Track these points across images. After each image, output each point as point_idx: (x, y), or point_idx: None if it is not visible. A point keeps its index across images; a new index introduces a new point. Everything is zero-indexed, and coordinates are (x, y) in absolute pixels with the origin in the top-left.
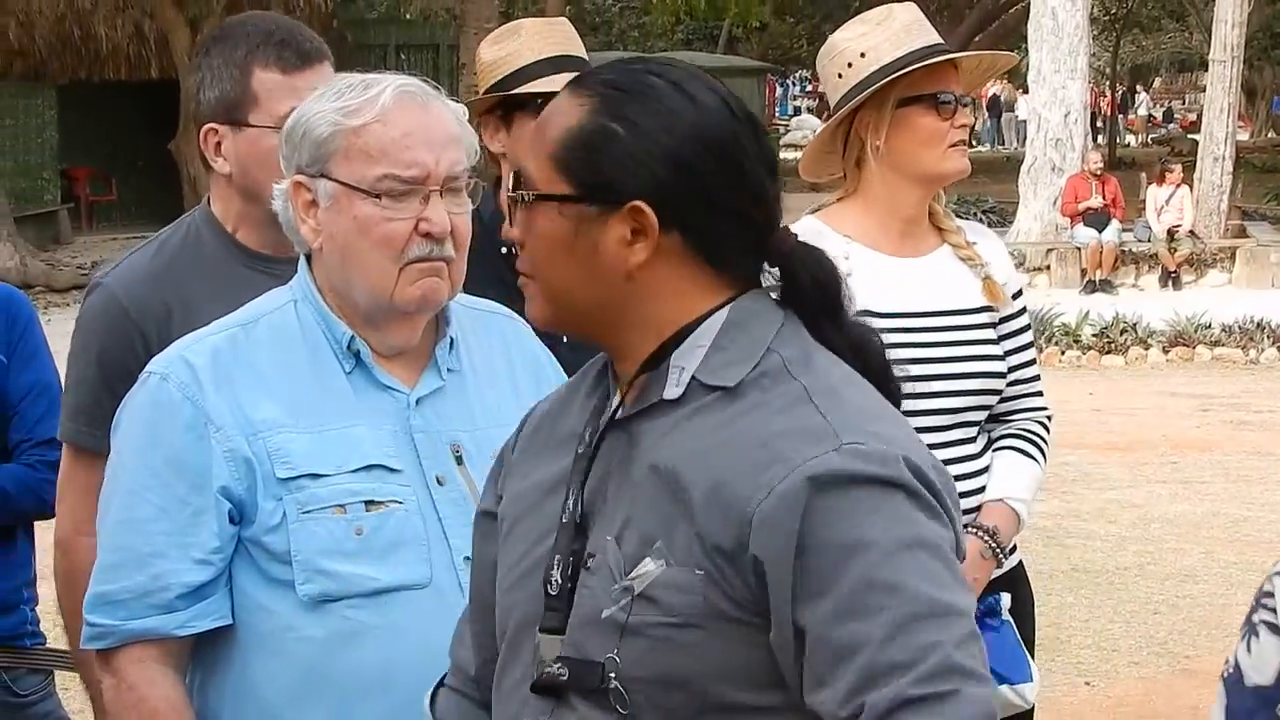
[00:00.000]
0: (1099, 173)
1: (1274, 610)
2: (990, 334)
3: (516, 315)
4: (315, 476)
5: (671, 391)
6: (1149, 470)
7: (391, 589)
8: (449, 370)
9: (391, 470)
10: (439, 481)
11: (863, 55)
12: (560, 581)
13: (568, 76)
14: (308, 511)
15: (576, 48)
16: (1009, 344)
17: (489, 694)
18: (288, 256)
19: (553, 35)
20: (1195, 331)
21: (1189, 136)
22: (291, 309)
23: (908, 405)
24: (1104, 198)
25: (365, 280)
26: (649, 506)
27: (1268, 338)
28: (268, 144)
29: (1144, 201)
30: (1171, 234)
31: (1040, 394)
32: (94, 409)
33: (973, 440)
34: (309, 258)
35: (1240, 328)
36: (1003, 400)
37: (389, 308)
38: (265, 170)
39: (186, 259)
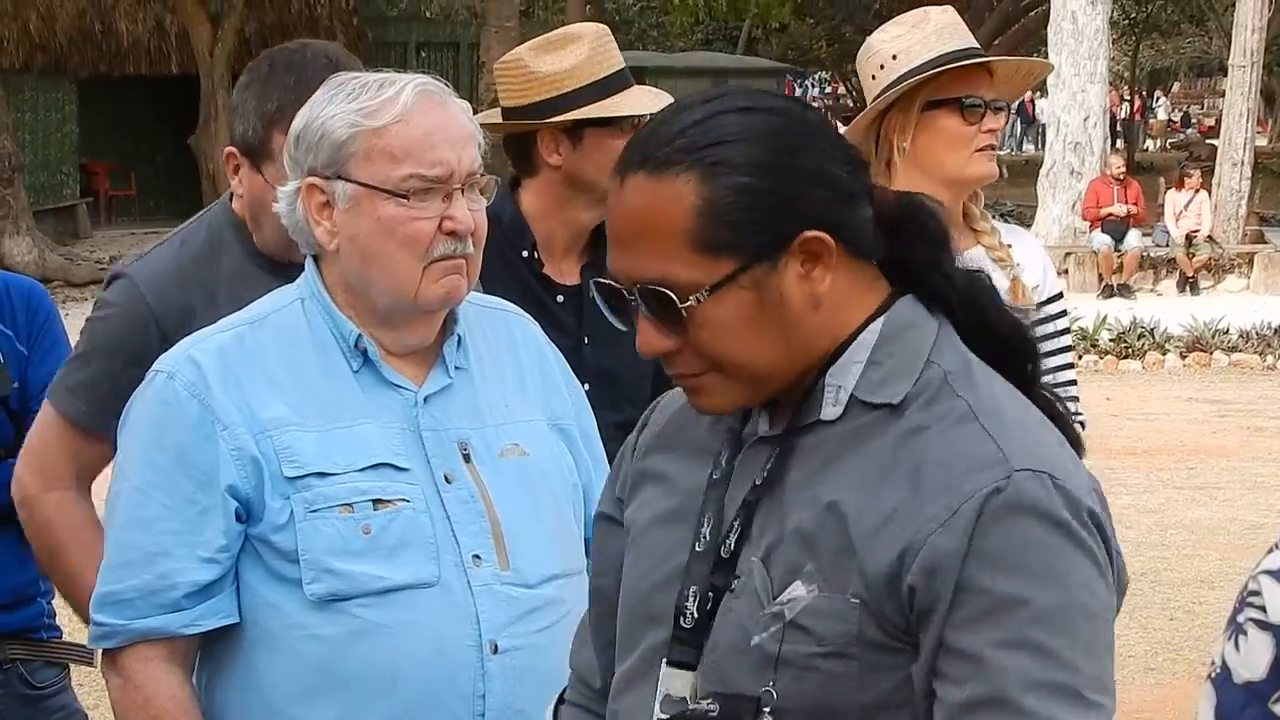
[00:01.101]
0: (1121, 177)
1: (1262, 608)
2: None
3: (524, 313)
4: (323, 475)
5: (830, 412)
6: (1165, 476)
7: (399, 588)
8: (457, 368)
9: (399, 469)
10: (447, 480)
11: (894, 57)
12: (695, 615)
13: (645, 92)
14: (315, 510)
15: (618, 55)
16: (1042, 347)
17: None
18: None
19: (610, 47)
20: (1213, 337)
21: (1207, 142)
22: (299, 307)
23: None
24: (1126, 204)
25: (389, 280)
26: (802, 531)
27: None
28: (270, 200)
29: (1162, 206)
30: (1190, 239)
31: (1075, 399)
32: (96, 393)
33: None
34: (316, 258)
35: (1258, 333)
36: None
37: (411, 307)
38: (263, 218)
39: (210, 261)
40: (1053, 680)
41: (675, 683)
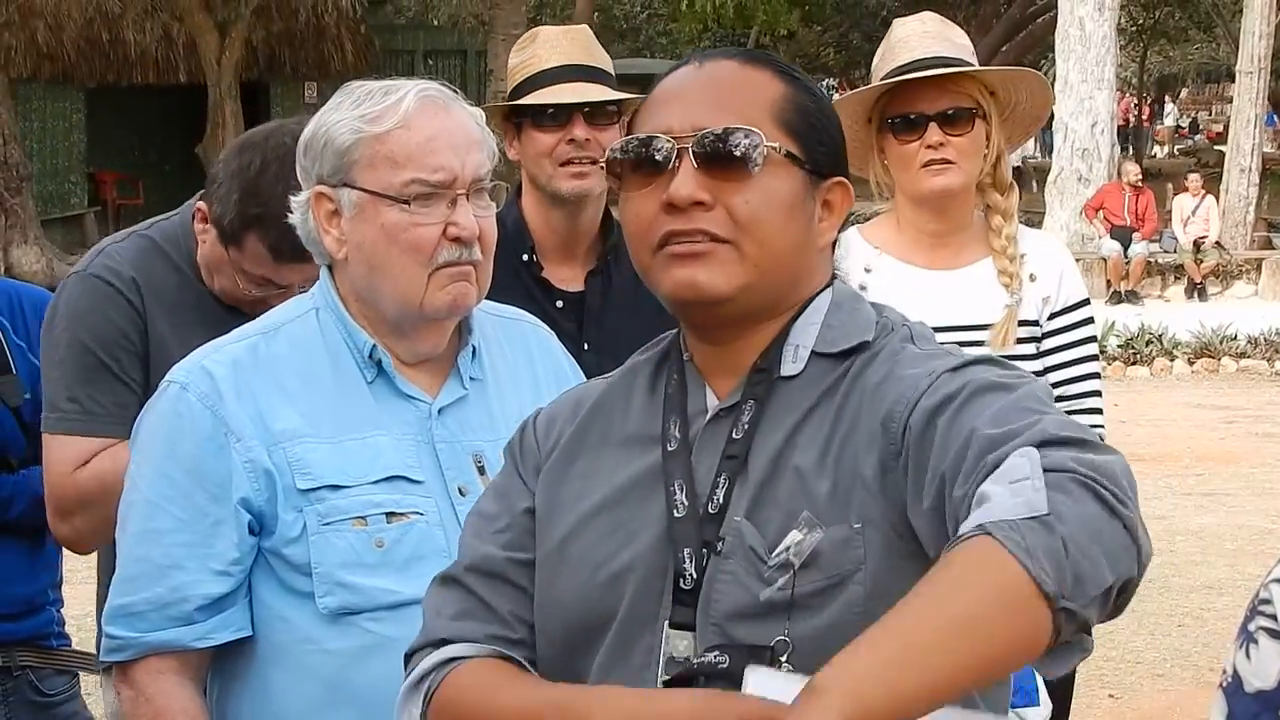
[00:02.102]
0: (1138, 184)
1: (1273, 616)
2: (1016, 350)
3: (540, 323)
4: (336, 488)
5: (790, 368)
6: (1173, 482)
7: (412, 602)
8: (471, 379)
9: (413, 481)
10: (461, 492)
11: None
12: (695, 575)
13: (576, 85)
14: (328, 523)
15: (593, 56)
16: (1053, 359)
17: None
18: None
19: (564, 43)
20: (1220, 343)
21: (1215, 148)
22: (313, 317)
23: None
24: (1135, 213)
25: (394, 288)
26: (785, 485)
27: None
28: (230, 274)
29: (1170, 213)
30: (1197, 245)
31: (1094, 411)
32: (93, 394)
33: None
34: (330, 267)
35: (1266, 340)
36: None
37: (418, 315)
38: (221, 272)
39: (168, 257)
40: (1019, 404)
41: (678, 644)
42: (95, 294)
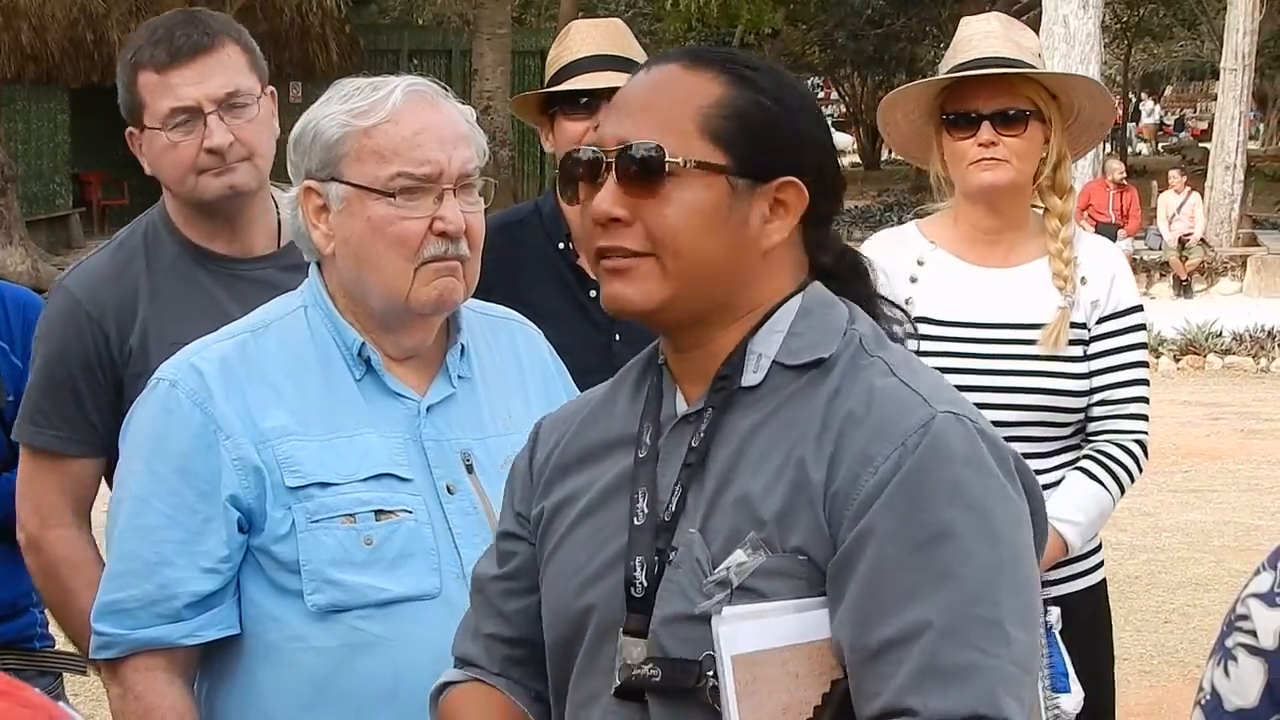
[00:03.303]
0: (1122, 182)
1: (1252, 633)
2: (1068, 351)
3: (529, 322)
4: (324, 485)
5: (750, 378)
6: (1160, 479)
7: (401, 599)
8: (460, 377)
9: (401, 479)
10: (449, 490)
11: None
12: (645, 583)
13: (604, 74)
14: (317, 521)
15: (624, 47)
16: (1099, 363)
17: (527, 684)
18: (246, 256)
19: (598, 34)
20: (1206, 340)
21: (1200, 145)
22: (301, 315)
23: None
24: (1120, 210)
25: (380, 282)
26: (742, 500)
27: (1278, 346)
28: (160, 143)
29: (1155, 209)
30: (1183, 242)
31: (1138, 417)
32: (57, 414)
33: (1030, 457)
34: (319, 264)
35: (1251, 336)
36: (1090, 420)
37: (404, 309)
38: (164, 169)
39: (145, 258)
40: (974, 612)
41: (632, 651)
42: (61, 308)
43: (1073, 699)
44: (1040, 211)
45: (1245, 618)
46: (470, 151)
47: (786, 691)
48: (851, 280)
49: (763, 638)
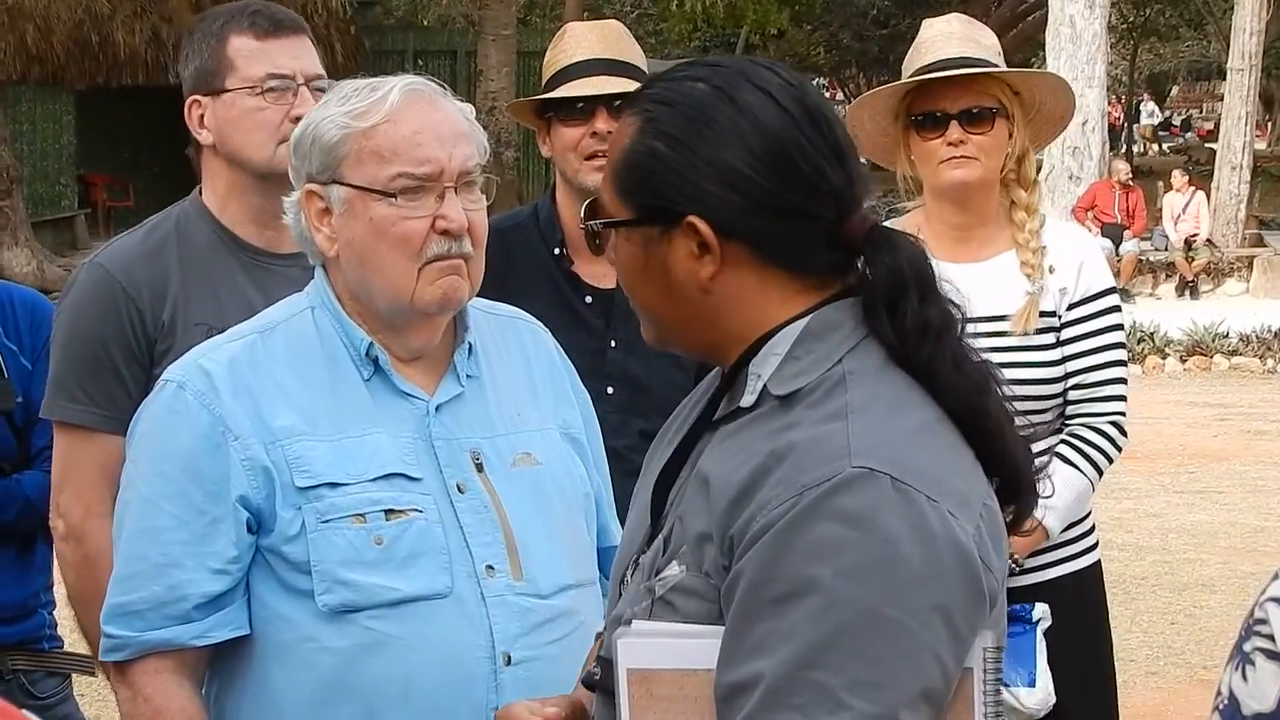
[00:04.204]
0: (1128, 183)
1: (1270, 638)
2: (1039, 340)
3: (536, 321)
4: (334, 485)
5: (746, 399)
6: (1166, 479)
7: (412, 599)
8: (468, 376)
9: (411, 479)
10: (459, 489)
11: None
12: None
13: (599, 79)
14: (327, 521)
15: (621, 50)
16: (1072, 348)
17: None
18: (277, 252)
19: (595, 37)
20: (1212, 341)
21: (1206, 145)
22: (309, 316)
23: None
24: (1126, 211)
25: (384, 283)
26: (686, 512)
27: None
28: (243, 105)
29: (1161, 210)
30: (1189, 243)
31: (1113, 398)
32: (90, 389)
33: None
34: (324, 265)
35: (1258, 337)
36: (1068, 404)
37: (409, 309)
38: (241, 133)
39: (177, 244)
40: (808, 675)
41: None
42: (95, 284)
43: (1034, 695)
44: (1006, 206)
45: (1264, 621)
46: (470, 149)
47: (683, 714)
48: (882, 276)
49: (660, 657)
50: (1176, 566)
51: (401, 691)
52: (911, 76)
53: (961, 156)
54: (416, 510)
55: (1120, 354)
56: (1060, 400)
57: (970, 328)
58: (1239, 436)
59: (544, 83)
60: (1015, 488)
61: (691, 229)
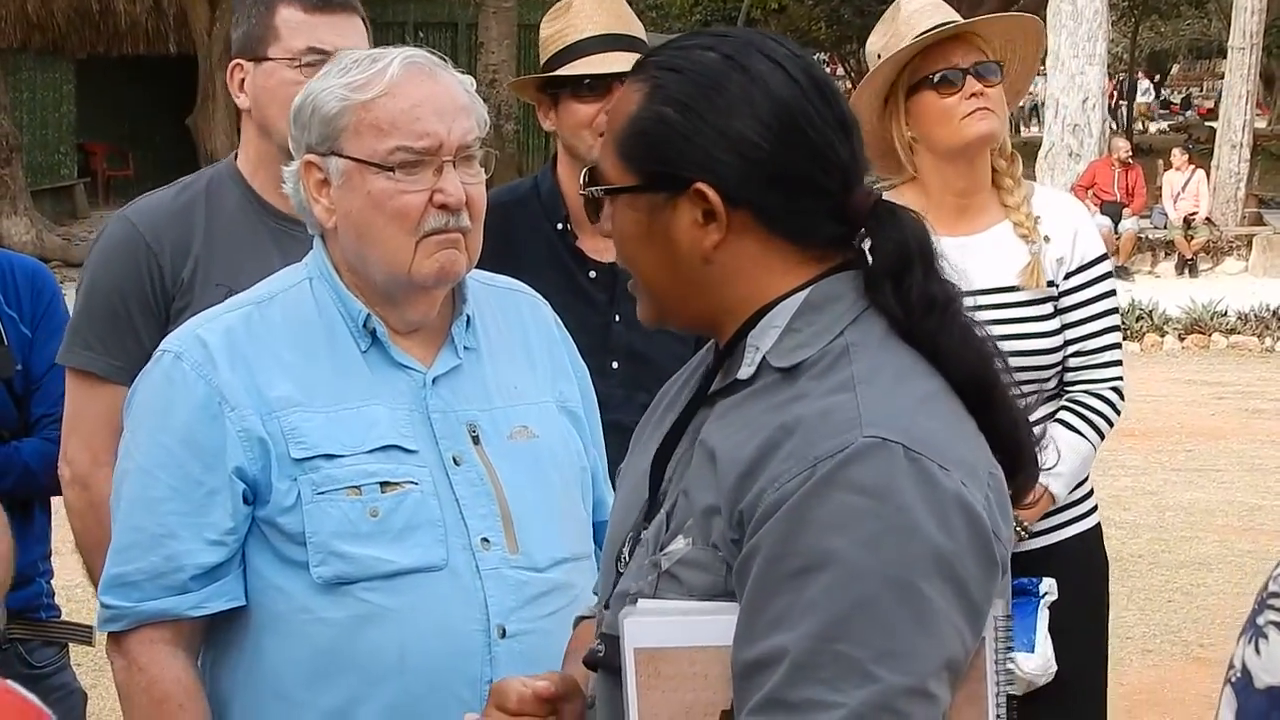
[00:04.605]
0: (1128, 160)
1: None
2: (1034, 310)
3: (535, 293)
4: (330, 457)
5: (744, 372)
6: (1163, 457)
7: (406, 571)
8: (466, 348)
9: (407, 451)
10: (455, 461)
11: (879, 56)
12: (628, 560)
13: (614, 55)
14: (322, 492)
15: (628, 25)
16: (1071, 316)
17: None
18: (299, 218)
19: (602, 12)
20: (1211, 319)
21: (1207, 124)
22: (307, 286)
23: None
24: (1126, 189)
25: (382, 256)
26: (691, 485)
27: None
28: (281, 77)
29: (1160, 188)
30: (1188, 221)
31: (1111, 364)
32: (105, 338)
33: None
34: (323, 236)
35: (1256, 316)
36: (1067, 371)
37: (407, 282)
38: (276, 104)
39: (207, 205)
40: (833, 648)
41: (604, 624)
42: (120, 237)
43: (1033, 661)
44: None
45: (1277, 595)
46: (470, 122)
47: (692, 691)
48: (888, 251)
49: (669, 635)
50: (1173, 544)
51: (396, 663)
52: (898, 55)
53: (984, 109)
54: (412, 482)
55: (1115, 320)
56: (1059, 368)
57: (973, 300)
58: (1236, 415)
59: (549, 55)
60: (1017, 460)
61: (698, 196)
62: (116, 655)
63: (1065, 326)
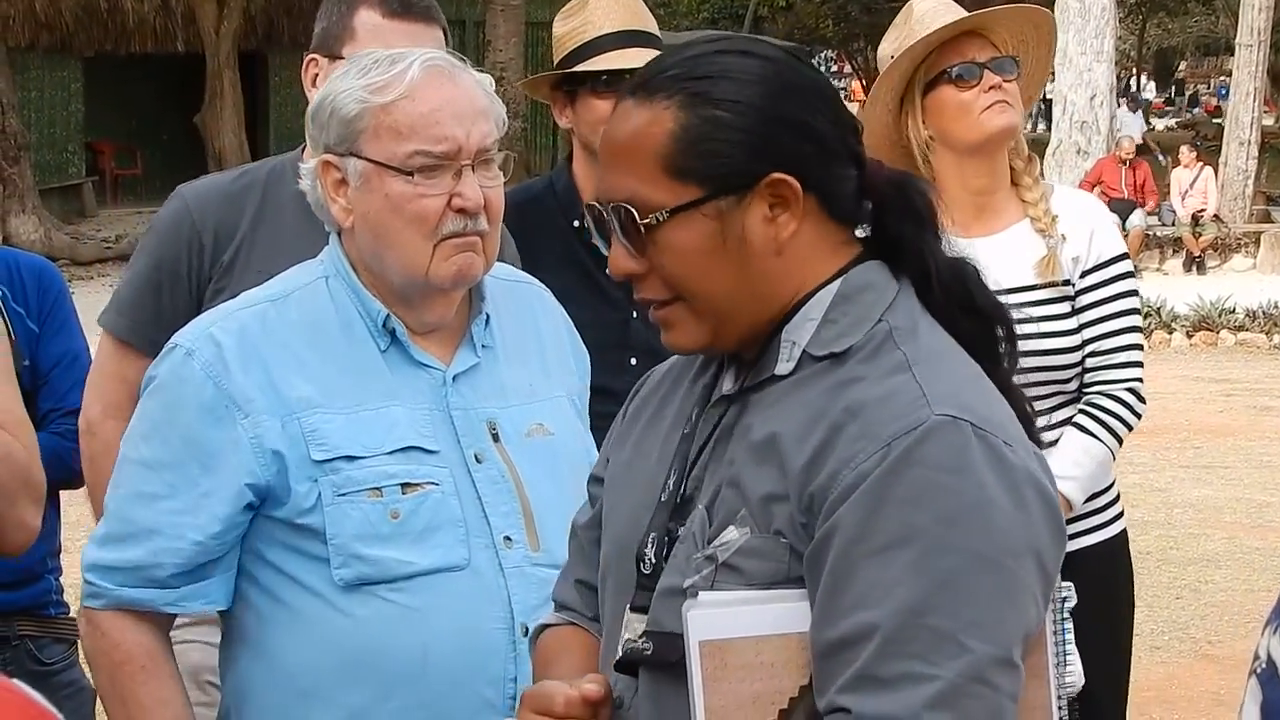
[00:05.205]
0: (1129, 159)
1: None
2: (1053, 309)
3: (541, 284)
4: (351, 459)
5: (783, 367)
6: (1172, 455)
7: (428, 572)
8: (484, 346)
9: (428, 451)
10: (478, 459)
11: (892, 58)
12: (654, 560)
13: (632, 51)
14: (343, 494)
15: (645, 21)
16: (1087, 315)
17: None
18: None
19: (619, 9)
20: (1219, 316)
21: (1214, 121)
22: (323, 285)
23: None
24: (1133, 186)
25: (399, 258)
26: (740, 477)
27: None
28: None
29: (1169, 185)
30: (1196, 218)
31: (1128, 365)
32: (138, 306)
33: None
34: (339, 234)
35: (1264, 313)
36: (1086, 370)
37: (424, 285)
38: None
39: (263, 191)
40: (925, 622)
41: (635, 627)
42: (172, 213)
43: (1069, 674)
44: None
45: None
46: (489, 126)
47: (759, 680)
48: (910, 222)
49: (734, 625)
50: (1181, 541)
51: (419, 663)
52: (910, 51)
53: (1003, 102)
54: (433, 483)
55: (1135, 320)
56: (1079, 369)
57: None
58: (1244, 412)
59: (565, 53)
60: (1032, 436)
61: (771, 188)
62: (86, 623)
63: (1082, 326)
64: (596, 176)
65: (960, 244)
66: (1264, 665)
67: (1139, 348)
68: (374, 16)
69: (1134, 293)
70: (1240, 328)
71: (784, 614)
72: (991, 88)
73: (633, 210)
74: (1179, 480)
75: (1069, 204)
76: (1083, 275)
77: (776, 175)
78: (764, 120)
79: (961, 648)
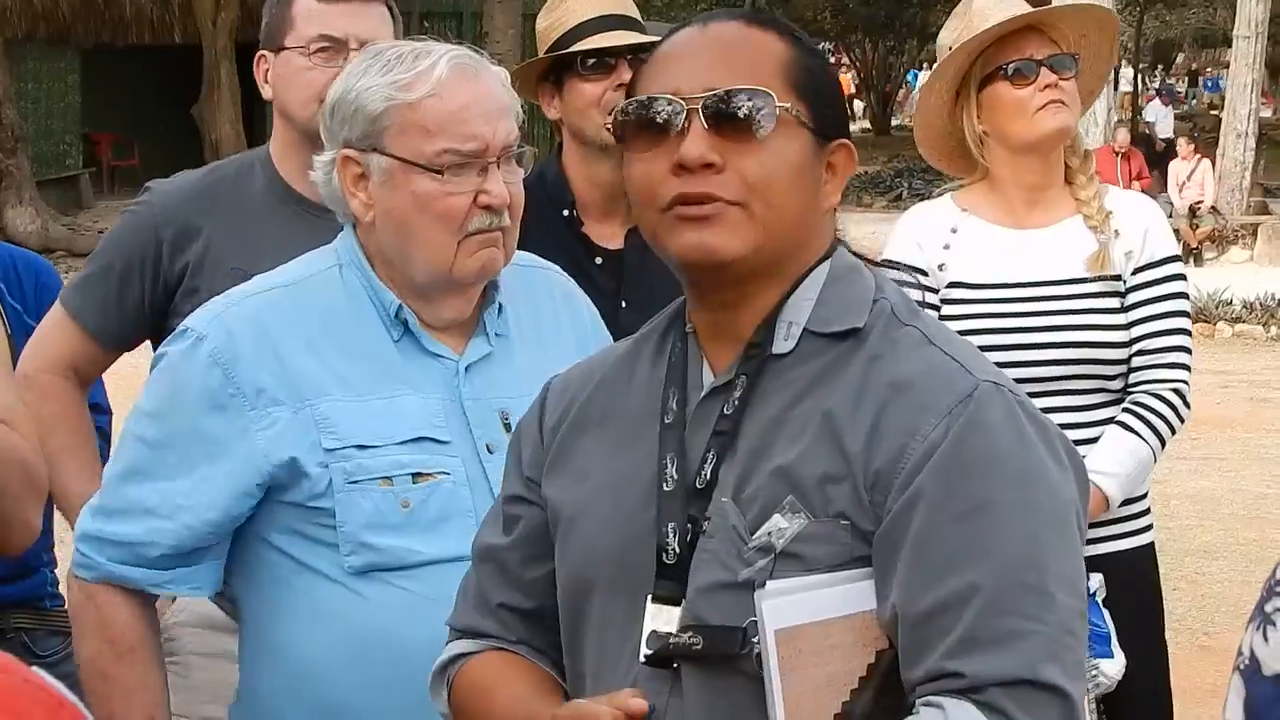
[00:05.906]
0: (1123, 151)
1: None
2: (1104, 303)
3: (556, 268)
4: (362, 447)
5: (781, 346)
6: (1169, 446)
7: (437, 561)
8: (497, 335)
9: (439, 441)
10: (489, 450)
11: (950, 49)
12: (678, 550)
13: (615, 34)
14: (355, 482)
15: (624, 5)
16: (1136, 314)
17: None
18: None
19: None
20: (1216, 308)
21: (1212, 113)
22: (336, 273)
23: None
24: (1128, 177)
25: (424, 254)
26: (780, 467)
27: None
28: (294, 64)
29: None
30: (1193, 210)
31: (1176, 366)
32: (90, 292)
33: (1074, 410)
34: (355, 226)
35: (1261, 304)
36: (1131, 371)
37: (447, 280)
38: (290, 90)
39: (232, 187)
40: (1019, 579)
41: (661, 618)
42: (138, 207)
43: (1115, 664)
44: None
45: None
46: (511, 122)
47: (831, 663)
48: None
49: (805, 611)
50: (1179, 533)
51: (426, 651)
52: (967, 45)
53: (1059, 101)
54: (444, 473)
55: (1184, 322)
56: (1125, 368)
57: (1033, 291)
58: (1242, 404)
59: (549, 44)
60: None
61: (840, 151)
62: (78, 590)
63: (1132, 323)
64: (683, 72)
65: (1013, 234)
66: (1247, 661)
67: (1187, 350)
68: (311, 2)
69: (1185, 295)
70: (1238, 319)
71: (850, 595)
72: (1047, 86)
73: (768, 95)
74: (1176, 472)
75: (1124, 202)
76: (1135, 272)
77: (844, 142)
78: (836, 88)
79: (1054, 601)
